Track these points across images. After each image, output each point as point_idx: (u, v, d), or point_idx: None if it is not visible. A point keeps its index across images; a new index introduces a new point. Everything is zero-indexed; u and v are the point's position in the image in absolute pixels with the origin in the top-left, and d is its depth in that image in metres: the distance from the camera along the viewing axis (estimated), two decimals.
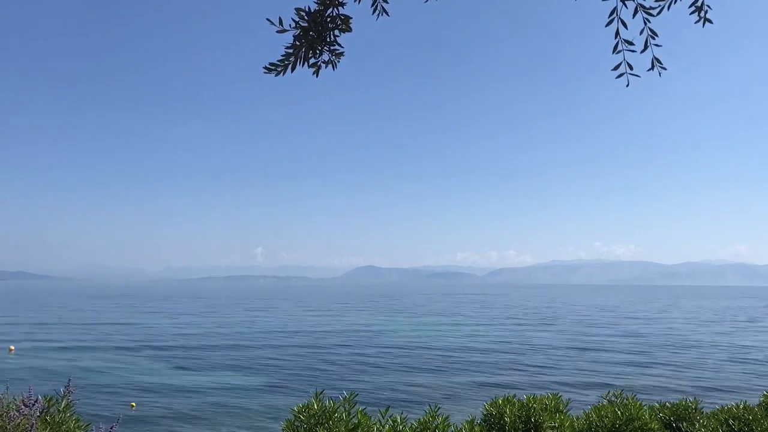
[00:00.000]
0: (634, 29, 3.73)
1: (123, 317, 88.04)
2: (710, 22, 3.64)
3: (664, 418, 7.90)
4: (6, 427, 5.16)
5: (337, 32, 3.55)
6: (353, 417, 6.21)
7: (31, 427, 5.15)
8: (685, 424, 7.79)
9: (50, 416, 5.48)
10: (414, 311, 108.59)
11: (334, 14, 3.52)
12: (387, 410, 6.48)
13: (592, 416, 7.34)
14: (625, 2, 3.71)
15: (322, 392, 6.47)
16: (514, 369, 38.60)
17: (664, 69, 3.90)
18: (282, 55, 3.51)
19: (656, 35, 3.71)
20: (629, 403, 7.47)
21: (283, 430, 6.24)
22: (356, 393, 6.43)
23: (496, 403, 7.29)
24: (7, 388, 5.78)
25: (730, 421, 7.72)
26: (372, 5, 3.56)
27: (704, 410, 8.15)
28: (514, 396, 7.48)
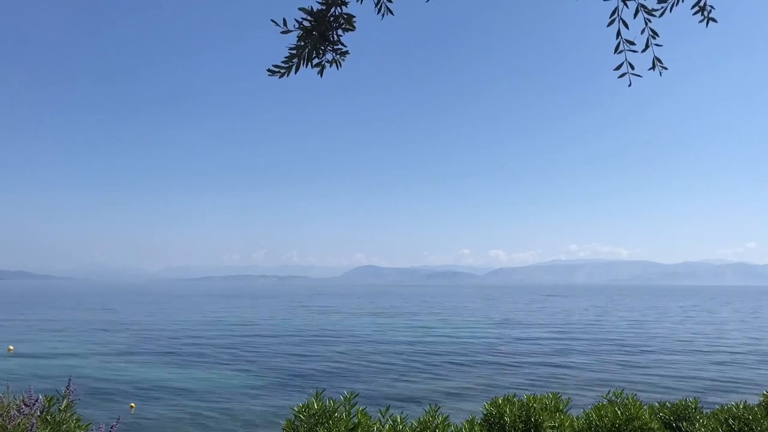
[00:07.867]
0: (635, 29, 3.74)
1: (122, 316, 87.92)
2: (714, 21, 3.63)
3: (664, 417, 7.91)
4: (6, 427, 5.15)
5: (340, 31, 3.54)
6: (353, 417, 6.21)
7: (32, 426, 5.14)
8: (685, 423, 7.80)
9: (51, 416, 5.48)
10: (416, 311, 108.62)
11: (338, 13, 3.51)
12: (387, 410, 6.48)
13: (592, 416, 7.35)
14: (626, 2, 3.71)
15: (322, 392, 6.47)
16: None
17: (665, 69, 3.91)
18: (285, 57, 3.50)
19: (657, 35, 3.71)
20: (629, 402, 7.48)
21: (283, 429, 6.24)
22: (356, 393, 6.43)
23: (496, 402, 7.30)
24: (8, 387, 5.78)
25: (730, 421, 7.73)
26: (376, 5, 3.56)
27: (704, 410, 8.16)
28: (514, 395, 7.49)
